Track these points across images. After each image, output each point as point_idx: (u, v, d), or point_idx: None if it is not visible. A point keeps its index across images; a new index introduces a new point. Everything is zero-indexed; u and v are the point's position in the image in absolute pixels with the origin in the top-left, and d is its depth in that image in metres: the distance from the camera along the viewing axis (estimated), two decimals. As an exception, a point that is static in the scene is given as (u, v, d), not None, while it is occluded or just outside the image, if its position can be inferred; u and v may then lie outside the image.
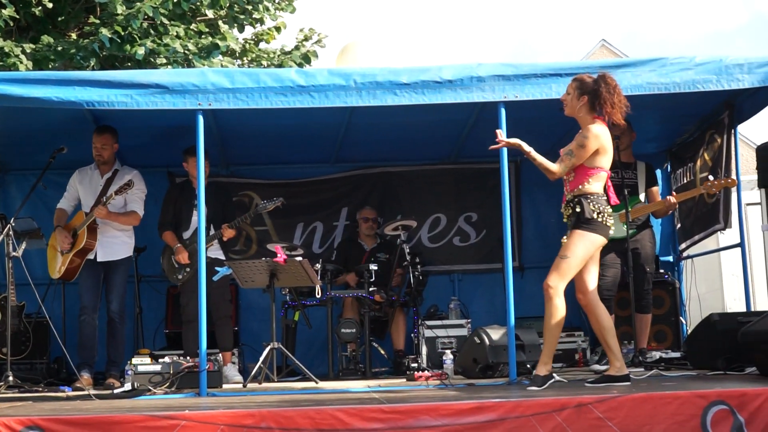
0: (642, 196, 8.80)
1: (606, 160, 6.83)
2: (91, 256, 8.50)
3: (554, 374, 6.85)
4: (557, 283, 6.76)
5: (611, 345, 6.86)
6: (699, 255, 10.13)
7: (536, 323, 9.41)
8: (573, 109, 6.95)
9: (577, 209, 6.76)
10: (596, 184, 6.80)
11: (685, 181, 9.72)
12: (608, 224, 6.79)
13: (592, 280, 6.93)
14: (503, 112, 7.51)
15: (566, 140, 9.78)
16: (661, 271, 9.96)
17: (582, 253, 6.75)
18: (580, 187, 6.78)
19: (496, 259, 9.87)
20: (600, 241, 6.81)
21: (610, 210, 6.82)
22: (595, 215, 6.70)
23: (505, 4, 71.90)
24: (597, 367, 8.32)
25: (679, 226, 10.30)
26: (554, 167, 6.82)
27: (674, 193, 9.02)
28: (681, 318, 9.92)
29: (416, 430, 5.25)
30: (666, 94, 7.57)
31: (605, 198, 6.85)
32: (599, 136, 6.74)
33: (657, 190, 8.97)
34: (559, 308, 6.79)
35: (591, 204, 6.71)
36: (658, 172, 9.49)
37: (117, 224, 8.55)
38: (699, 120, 9.25)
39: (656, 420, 5.37)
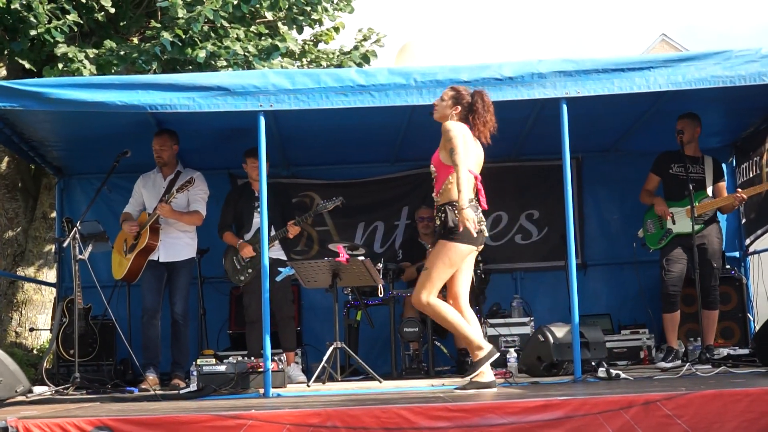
0: (709, 191, 8.65)
1: (471, 161, 6.68)
2: (154, 257, 8.58)
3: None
4: (424, 297, 6.63)
5: (468, 334, 6.69)
6: (766, 250, 9.97)
7: (600, 320, 9.41)
8: (443, 115, 6.81)
9: (442, 217, 6.62)
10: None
11: (751, 176, 9.58)
12: (483, 230, 6.66)
13: (463, 288, 6.79)
14: (565, 108, 7.44)
15: (628, 136, 9.79)
16: (728, 266, 9.82)
17: (444, 264, 6.60)
18: (445, 191, 6.64)
19: (558, 256, 9.82)
20: (468, 249, 6.65)
21: (482, 216, 6.66)
22: (460, 225, 6.46)
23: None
24: (663, 364, 8.22)
25: (744, 221, 10.16)
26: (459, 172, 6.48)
27: (738, 189, 8.88)
28: (748, 314, 9.77)
29: (483, 429, 5.22)
30: (731, 87, 7.45)
31: (476, 203, 6.69)
32: (461, 131, 6.62)
33: (723, 185, 8.81)
34: (440, 310, 6.66)
35: (455, 212, 6.53)
36: (724, 167, 9.36)
37: (180, 225, 8.63)
38: (765, 113, 9.12)
39: (726, 417, 5.29)
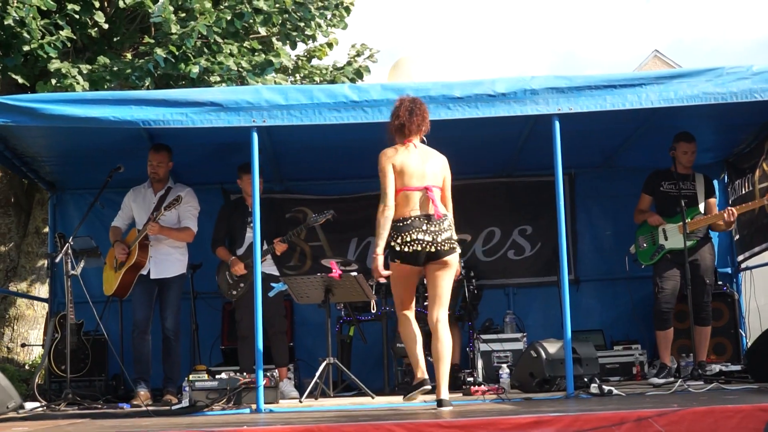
0: (701, 207, 8.67)
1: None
2: (144, 272, 8.57)
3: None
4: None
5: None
6: (758, 267, 9.97)
7: (593, 336, 9.40)
8: None
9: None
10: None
11: (744, 192, 9.59)
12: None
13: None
14: (557, 124, 7.46)
15: (620, 152, 9.79)
16: (720, 283, 9.83)
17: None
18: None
19: (551, 272, 9.83)
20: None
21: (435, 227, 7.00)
22: None
23: (553, 14, 71.73)
24: (655, 380, 8.21)
25: (737, 237, 10.17)
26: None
27: (729, 206, 8.90)
28: (740, 330, 9.78)
29: (475, 445, 5.22)
30: (722, 104, 7.47)
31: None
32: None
33: (714, 201, 8.83)
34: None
35: None
36: (715, 183, 9.38)
37: (170, 241, 8.62)
38: (757, 129, 9.13)
39: (718, 434, 5.30)
